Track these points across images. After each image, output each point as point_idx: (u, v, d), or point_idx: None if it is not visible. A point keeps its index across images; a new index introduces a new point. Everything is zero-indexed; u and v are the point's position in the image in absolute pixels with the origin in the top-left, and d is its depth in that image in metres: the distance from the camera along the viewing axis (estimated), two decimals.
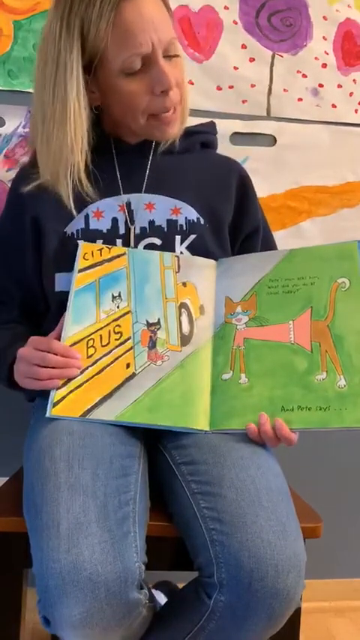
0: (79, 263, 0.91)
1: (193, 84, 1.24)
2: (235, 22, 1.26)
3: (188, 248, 0.98)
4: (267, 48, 1.28)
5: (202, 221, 0.99)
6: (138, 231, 0.97)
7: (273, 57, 1.29)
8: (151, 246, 0.97)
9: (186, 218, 0.98)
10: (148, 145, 1.01)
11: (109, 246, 0.94)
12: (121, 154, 1.01)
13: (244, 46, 1.27)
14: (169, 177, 1.01)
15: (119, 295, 0.90)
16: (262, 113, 1.30)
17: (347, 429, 0.77)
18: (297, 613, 0.77)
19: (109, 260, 0.93)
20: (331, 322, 0.84)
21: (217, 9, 1.25)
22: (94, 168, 0.96)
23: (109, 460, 0.77)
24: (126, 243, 0.96)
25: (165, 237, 0.97)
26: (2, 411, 1.26)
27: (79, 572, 0.64)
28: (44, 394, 0.84)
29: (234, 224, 1.04)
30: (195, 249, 0.98)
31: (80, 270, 0.91)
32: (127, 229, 0.97)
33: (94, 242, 0.95)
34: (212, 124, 1.11)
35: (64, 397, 0.82)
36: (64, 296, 0.90)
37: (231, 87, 1.28)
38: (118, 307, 0.90)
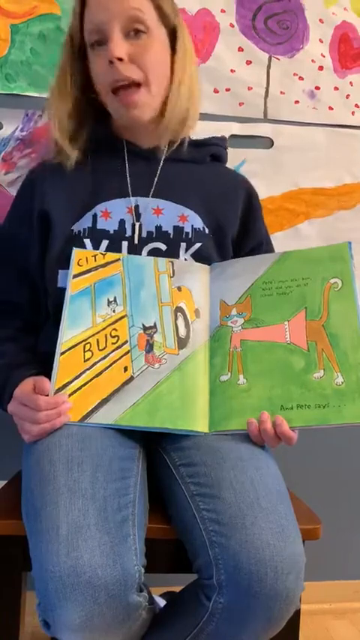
0: (74, 269, 0.91)
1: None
2: (232, 25, 1.27)
3: (193, 256, 0.98)
4: (264, 51, 1.28)
5: (207, 231, 1.00)
6: (144, 234, 0.97)
7: (270, 59, 1.29)
8: (155, 251, 0.97)
9: (192, 226, 0.99)
10: (159, 150, 1.02)
11: (104, 253, 0.94)
12: (133, 157, 1.02)
13: (240, 49, 1.28)
14: (178, 185, 1.02)
15: (115, 300, 0.90)
16: (259, 116, 1.30)
17: (347, 425, 0.78)
18: (296, 615, 0.77)
19: (104, 266, 0.92)
20: (325, 322, 0.85)
21: (214, 12, 1.25)
22: (105, 168, 1.00)
23: (108, 463, 0.77)
24: (132, 246, 0.97)
25: (170, 243, 0.98)
26: (0, 413, 1.26)
27: (78, 575, 0.64)
28: None
29: (238, 238, 1.05)
30: (199, 258, 0.98)
31: (75, 276, 0.90)
32: (134, 232, 0.98)
33: (100, 242, 0.96)
34: (224, 139, 1.13)
35: None
36: (64, 293, 0.90)
37: (228, 89, 1.28)
38: (114, 312, 0.89)
